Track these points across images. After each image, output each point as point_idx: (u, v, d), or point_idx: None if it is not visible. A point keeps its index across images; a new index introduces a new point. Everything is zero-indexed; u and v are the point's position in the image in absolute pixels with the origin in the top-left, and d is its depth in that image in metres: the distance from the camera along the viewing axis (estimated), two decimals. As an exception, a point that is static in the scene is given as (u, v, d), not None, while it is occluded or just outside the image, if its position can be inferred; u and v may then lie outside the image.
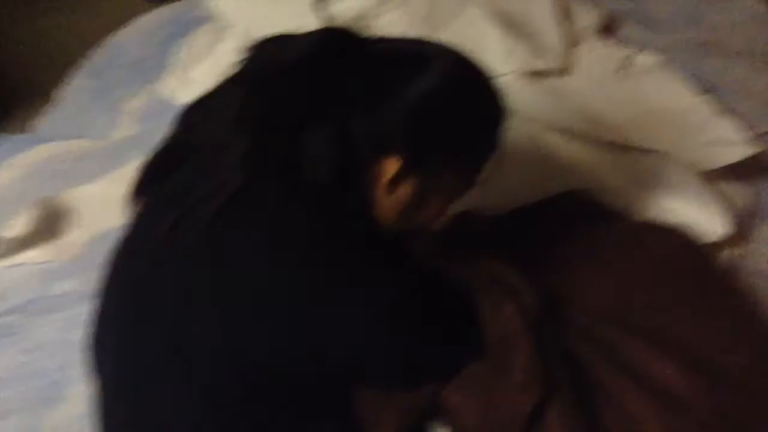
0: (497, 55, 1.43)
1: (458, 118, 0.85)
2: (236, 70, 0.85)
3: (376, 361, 0.81)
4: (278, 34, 0.85)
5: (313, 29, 0.84)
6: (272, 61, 0.81)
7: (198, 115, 0.90)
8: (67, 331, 1.19)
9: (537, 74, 1.46)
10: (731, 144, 1.28)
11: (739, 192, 1.26)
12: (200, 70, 1.62)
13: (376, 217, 0.84)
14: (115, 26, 1.91)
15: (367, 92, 0.80)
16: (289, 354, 0.76)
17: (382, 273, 0.78)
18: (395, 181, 0.81)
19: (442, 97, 0.82)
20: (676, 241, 1.14)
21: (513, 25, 1.52)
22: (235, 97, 0.82)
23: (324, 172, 0.77)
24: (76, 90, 1.73)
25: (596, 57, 1.52)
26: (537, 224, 1.17)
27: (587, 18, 1.61)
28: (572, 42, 1.55)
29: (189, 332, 0.76)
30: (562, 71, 1.49)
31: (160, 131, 1.49)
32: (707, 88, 1.44)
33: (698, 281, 1.08)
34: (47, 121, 1.68)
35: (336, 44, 0.81)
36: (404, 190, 0.83)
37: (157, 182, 0.87)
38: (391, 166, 0.80)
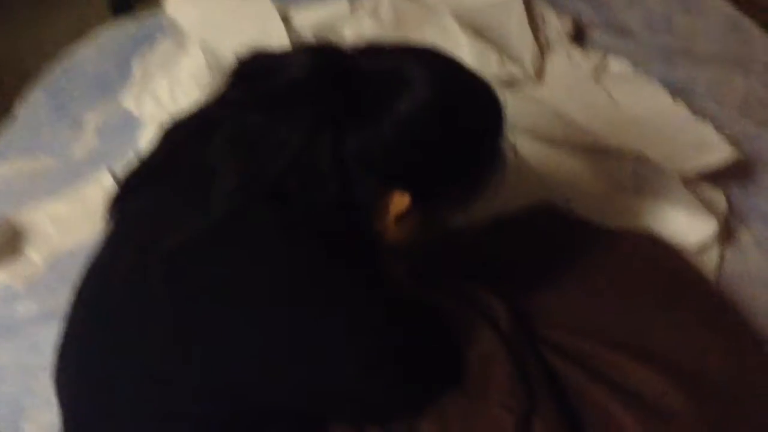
0: (470, 62, 1.40)
1: (458, 133, 0.80)
2: (220, 90, 0.81)
3: (357, 383, 0.77)
4: (260, 53, 0.79)
5: (279, 41, 0.80)
6: (261, 84, 0.76)
7: (182, 136, 0.86)
8: (28, 355, 1.15)
9: (511, 82, 1.45)
10: (711, 148, 1.28)
11: (715, 196, 1.25)
12: (162, 84, 1.57)
13: (380, 243, 0.81)
14: (73, 39, 1.85)
15: (361, 116, 0.75)
16: (276, 369, 0.73)
17: (364, 293, 0.76)
18: (404, 215, 0.79)
19: (437, 114, 0.77)
20: (657, 248, 1.13)
21: (485, 33, 1.51)
22: (222, 121, 0.78)
23: (320, 197, 0.74)
24: (33, 105, 1.67)
25: (569, 64, 1.52)
26: (514, 237, 1.15)
27: (558, 25, 1.61)
28: (544, 49, 1.55)
29: (163, 358, 0.73)
30: (536, 78, 1.49)
31: (120, 147, 1.48)
32: (677, 93, 1.44)
33: (681, 289, 1.07)
34: (2, 137, 1.62)
35: (327, 66, 0.75)
36: (412, 220, 0.80)
37: (133, 199, 0.84)
38: (400, 201, 0.77)
